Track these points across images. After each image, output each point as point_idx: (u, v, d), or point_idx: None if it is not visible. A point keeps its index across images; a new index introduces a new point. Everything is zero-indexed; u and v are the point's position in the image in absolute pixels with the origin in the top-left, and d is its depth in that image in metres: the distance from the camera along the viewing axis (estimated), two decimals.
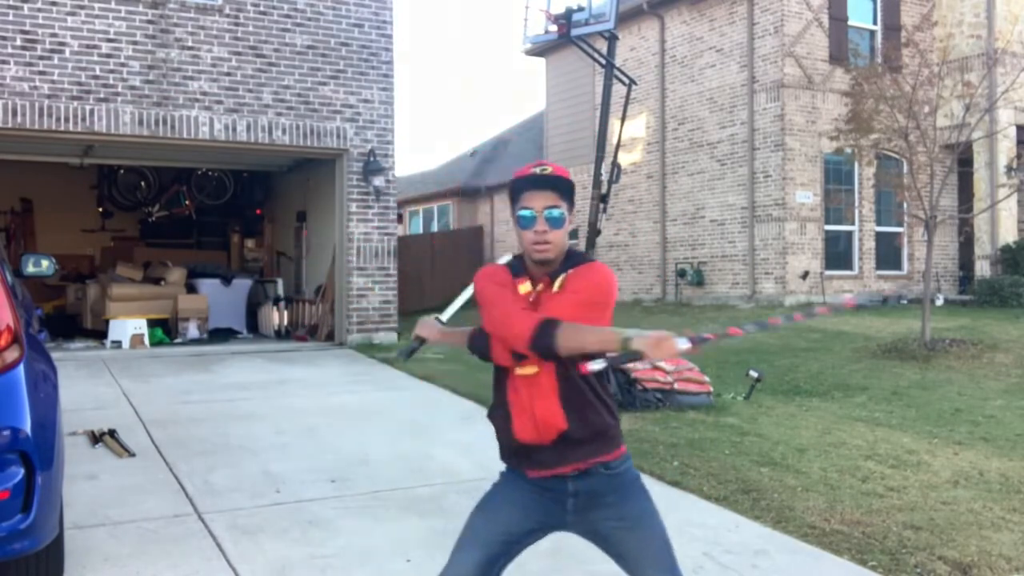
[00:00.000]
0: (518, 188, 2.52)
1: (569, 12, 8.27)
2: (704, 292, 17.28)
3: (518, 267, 2.55)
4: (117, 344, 11.50)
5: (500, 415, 2.55)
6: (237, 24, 11.22)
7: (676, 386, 7.84)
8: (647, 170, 18.90)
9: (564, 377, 2.45)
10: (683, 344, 2.25)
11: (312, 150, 11.91)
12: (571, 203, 2.53)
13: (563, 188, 2.49)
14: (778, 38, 15.87)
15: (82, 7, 10.40)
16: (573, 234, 21.02)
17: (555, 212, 2.46)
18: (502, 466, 2.66)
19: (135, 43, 10.65)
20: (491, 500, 2.61)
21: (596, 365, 2.32)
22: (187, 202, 16.38)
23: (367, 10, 12.00)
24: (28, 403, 3.24)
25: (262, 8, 11.36)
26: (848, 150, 13.56)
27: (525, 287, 2.50)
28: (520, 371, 2.48)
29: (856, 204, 16.44)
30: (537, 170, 2.51)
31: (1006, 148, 15.77)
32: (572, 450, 2.49)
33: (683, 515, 4.86)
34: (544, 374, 2.46)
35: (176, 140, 11.02)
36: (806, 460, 6.03)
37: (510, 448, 2.56)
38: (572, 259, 2.53)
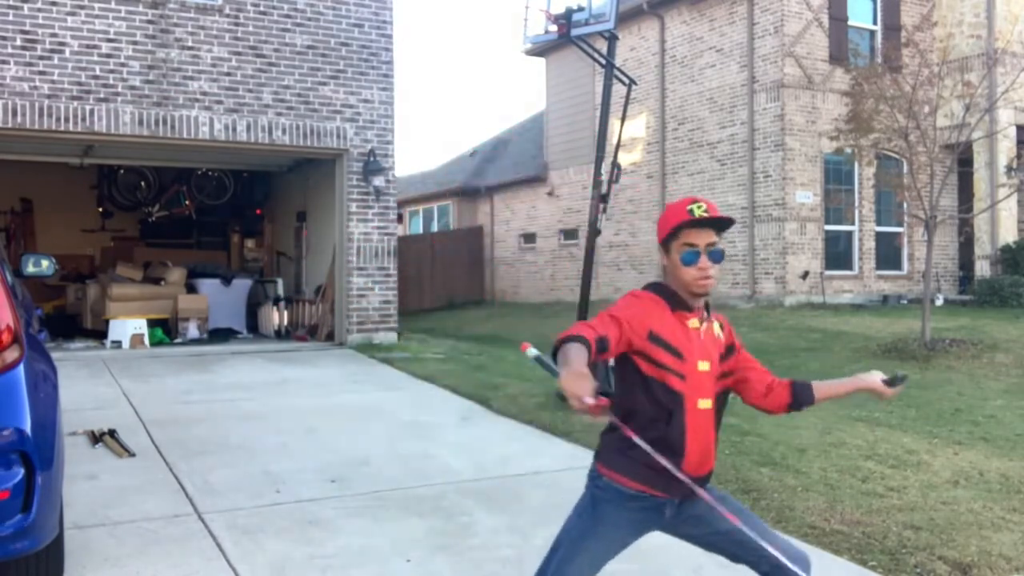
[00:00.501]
0: (679, 227, 2.63)
1: (569, 12, 8.27)
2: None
3: (675, 298, 2.66)
4: (117, 344, 11.50)
5: (668, 441, 2.57)
6: (237, 24, 11.22)
7: None
8: (647, 170, 18.91)
9: (720, 418, 2.70)
10: (588, 400, 2.21)
11: (312, 150, 11.91)
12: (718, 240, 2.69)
13: (723, 227, 2.64)
14: (778, 38, 15.88)
15: (82, 7, 10.40)
16: (570, 234, 21.08)
17: (717, 250, 2.62)
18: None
19: (135, 43, 10.65)
20: (601, 527, 2.65)
21: (530, 352, 2.43)
22: (187, 202, 16.38)
23: (367, 10, 12.00)
24: (28, 403, 3.24)
25: (262, 8, 11.35)
26: (848, 150, 13.56)
27: (695, 323, 2.65)
28: (701, 404, 2.63)
29: (856, 204, 16.44)
30: (696, 210, 2.60)
31: (1006, 148, 15.78)
32: (702, 482, 2.66)
33: None
34: (713, 411, 2.68)
35: (176, 140, 11.02)
36: (806, 460, 6.03)
37: (670, 475, 2.54)
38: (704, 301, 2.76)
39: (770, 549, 2.58)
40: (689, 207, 2.61)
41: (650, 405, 2.59)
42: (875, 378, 2.73)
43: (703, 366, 2.61)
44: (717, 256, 2.61)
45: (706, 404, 2.62)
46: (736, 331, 2.82)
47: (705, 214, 2.58)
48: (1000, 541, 4.48)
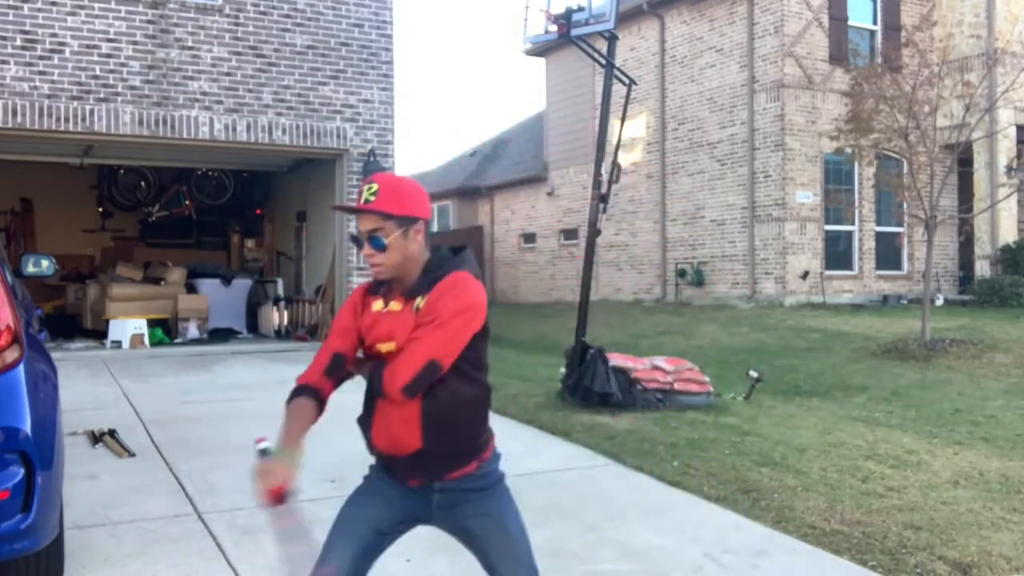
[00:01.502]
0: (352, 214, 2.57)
1: (569, 12, 8.26)
2: (704, 292, 17.28)
3: (381, 283, 2.57)
4: (117, 344, 11.50)
5: (363, 420, 2.62)
6: (237, 24, 11.21)
7: (676, 386, 7.84)
8: (647, 170, 18.91)
9: (431, 396, 2.45)
10: (268, 502, 2.26)
11: (312, 150, 11.90)
12: (402, 221, 2.46)
13: (381, 214, 2.45)
14: (778, 38, 15.88)
15: (82, 7, 10.40)
16: (570, 234, 21.06)
17: (376, 237, 2.46)
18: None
19: (135, 43, 10.65)
20: (361, 494, 2.66)
21: (260, 445, 2.38)
22: (187, 202, 16.38)
23: (367, 10, 12.00)
24: (28, 403, 3.24)
25: (262, 8, 11.35)
26: (848, 150, 13.57)
27: (378, 304, 2.54)
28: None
29: (856, 204, 16.44)
30: (364, 192, 2.49)
31: (1006, 148, 15.78)
32: (429, 466, 2.52)
33: (683, 515, 4.87)
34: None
35: (176, 140, 11.02)
36: (806, 460, 6.03)
37: (372, 452, 2.63)
38: (431, 273, 2.50)
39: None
40: (362, 188, 2.51)
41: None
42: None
43: (383, 347, 2.48)
44: (377, 243, 2.46)
45: None
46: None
47: (363, 201, 2.46)
48: (1000, 541, 4.48)
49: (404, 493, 2.59)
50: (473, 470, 2.54)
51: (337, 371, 2.57)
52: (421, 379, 2.38)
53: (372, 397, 2.56)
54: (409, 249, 2.49)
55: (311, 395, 2.55)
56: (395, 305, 2.51)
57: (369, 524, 2.60)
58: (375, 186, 2.48)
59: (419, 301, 2.46)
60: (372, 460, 2.69)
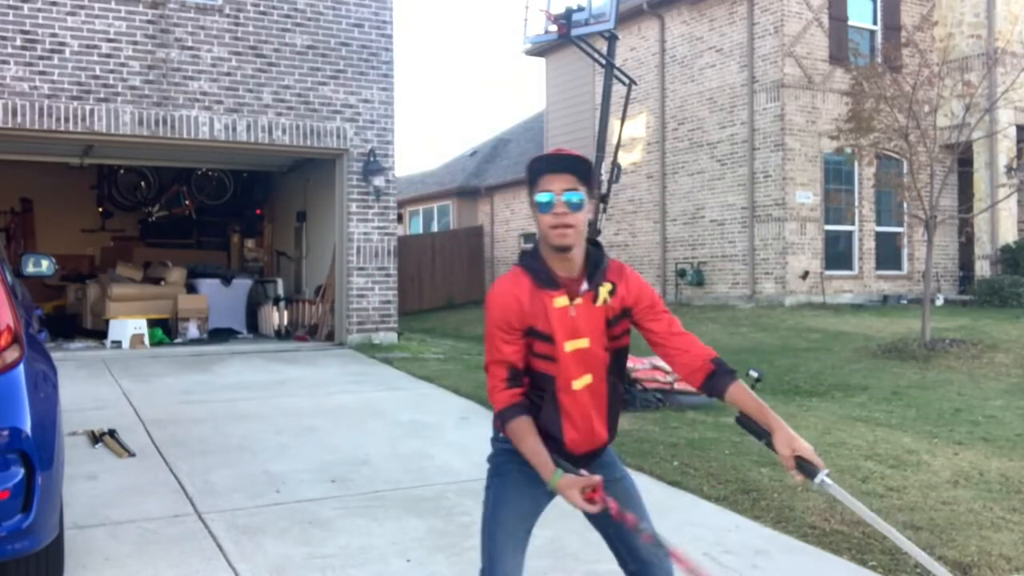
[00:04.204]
0: (536, 171, 2.46)
1: (569, 12, 8.28)
2: (704, 292, 17.28)
3: (543, 273, 2.47)
4: (117, 344, 11.50)
5: (546, 424, 2.52)
6: (237, 24, 11.21)
7: (676, 386, 7.84)
8: (647, 170, 18.91)
9: (613, 388, 2.56)
10: (592, 506, 2.37)
11: (312, 150, 11.90)
12: (591, 188, 2.47)
13: (582, 171, 2.43)
14: (778, 38, 15.88)
15: (82, 7, 10.39)
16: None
17: (575, 196, 2.39)
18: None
19: (135, 43, 10.64)
20: (508, 494, 2.61)
21: (552, 480, 2.43)
22: (187, 202, 16.38)
23: (367, 10, 12.00)
24: (28, 403, 3.24)
25: (262, 8, 11.35)
26: (848, 150, 13.56)
27: (561, 301, 2.45)
28: (577, 384, 2.50)
29: (856, 204, 16.44)
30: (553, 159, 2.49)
31: (1006, 148, 15.78)
32: (599, 453, 2.63)
33: (683, 515, 4.87)
34: (598, 387, 2.54)
35: (176, 140, 11.02)
36: None
37: (562, 455, 2.54)
38: (596, 259, 2.51)
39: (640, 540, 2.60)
40: (548, 153, 2.50)
41: (532, 385, 2.52)
42: (793, 452, 2.34)
43: (574, 345, 2.44)
44: (575, 204, 2.38)
45: (582, 383, 2.48)
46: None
47: (562, 154, 2.46)
48: (1000, 541, 4.48)
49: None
50: (607, 449, 2.68)
51: (516, 382, 2.50)
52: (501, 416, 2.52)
53: (545, 399, 2.51)
54: (585, 223, 2.48)
55: (524, 411, 2.49)
56: (578, 300, 2.47)
57: (527, 519, 2.63)
58: (566, 155, 2.47)
59: (604, 293, 2.46)
60: (487, 451, 2.68)
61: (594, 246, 2.54)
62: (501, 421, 2.49)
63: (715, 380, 2.48)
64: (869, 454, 6.27)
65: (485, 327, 2.52)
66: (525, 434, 2.43)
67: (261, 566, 4.01)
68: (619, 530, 2.60)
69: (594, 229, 8.39)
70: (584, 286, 2.46)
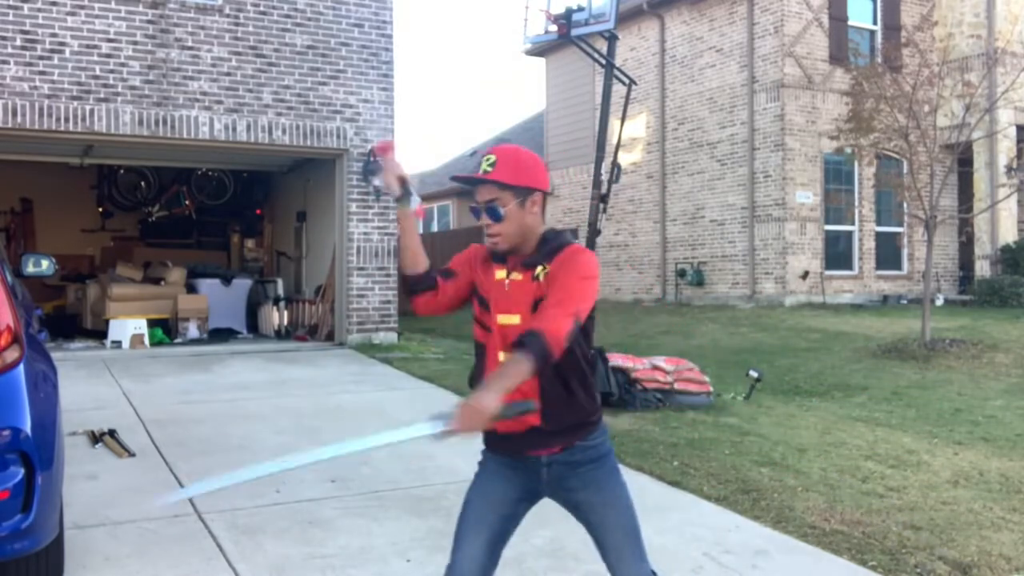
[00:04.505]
0: (468, 186, 2.60)
1: (569, 12, 8.27)
2: (704, 292, 17.28)
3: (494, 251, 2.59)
4: (117, 344, 11.49)
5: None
6: (237, 24, 11.21)
7: (676, 386, 7.84)
8: (647, 170, 18.91)
9: (551, 380, 2.45)
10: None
11: (312, 150, 11.90)
12: (519, 191, 2.48)
13: (500, 180, 2.48)
14: (778, 38, 15.88)
15: (82, 7, 10.39)
16: (570, 234, 21.07)
17: (493, 207, 2.48)
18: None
19: (135, 43, 10.64)
20: (479, 481, 2.65)
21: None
22: (187, 202, 16.37)
23: (367, 10, 11.99)
24: (28, 403, 3.24)
25: (262, 8, 11.35)
26: (848, 150, 13.57)
27: (501, 273, 2.55)
28: (504, 357, 2.48)
29: (856, 204, 16.44)
30: (483, 164, 2.52)
31: (1006, 148, 15.78)
32: (545, 439, 2.51)
33: (683, 515, 4.87)
34: None
35: (176, 140, 11.01)
36: (806, 460, 6.03)
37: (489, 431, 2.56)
38: (548, 244, 2.52)
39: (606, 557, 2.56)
40: (481, 160, 2.53)
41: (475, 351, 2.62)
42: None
43: (506, 319, 2.49)
44: (493, 214, 2.47)
45: (507, 358, 2.45)
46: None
47: (481, 172, 2.49)
48: (1000, 541, 4.48)
49: (516, 468, 2.58)
50: (579, 442, 2.52)
51: (448, 278, 2.65)
52: (571, 336, 2.36)
53: (481, 363, 2.58)
54: (526, 220, 2.51)
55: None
56: (516, 275, 2.52)
57: (494, 509, 2.59)
58: (492, 157, 2.51)
59: (539, 271, 2.48)
60: (480, 444, 2.66)
61: (556, 233, 2.57)
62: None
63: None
64: (869, 454, 6.27)
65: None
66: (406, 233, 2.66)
67: (261, 566, 4.01)
68: (603, 556, 2.59)
69: (594, 229, 8.40)
70: (523, 263, 2.53)
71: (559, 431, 2.50)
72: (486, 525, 2.57)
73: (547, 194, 2.57)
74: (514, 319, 2.49)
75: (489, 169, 2.49)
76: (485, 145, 27.99)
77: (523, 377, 2.27)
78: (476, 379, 2.59)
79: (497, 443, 2.58)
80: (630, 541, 2.56)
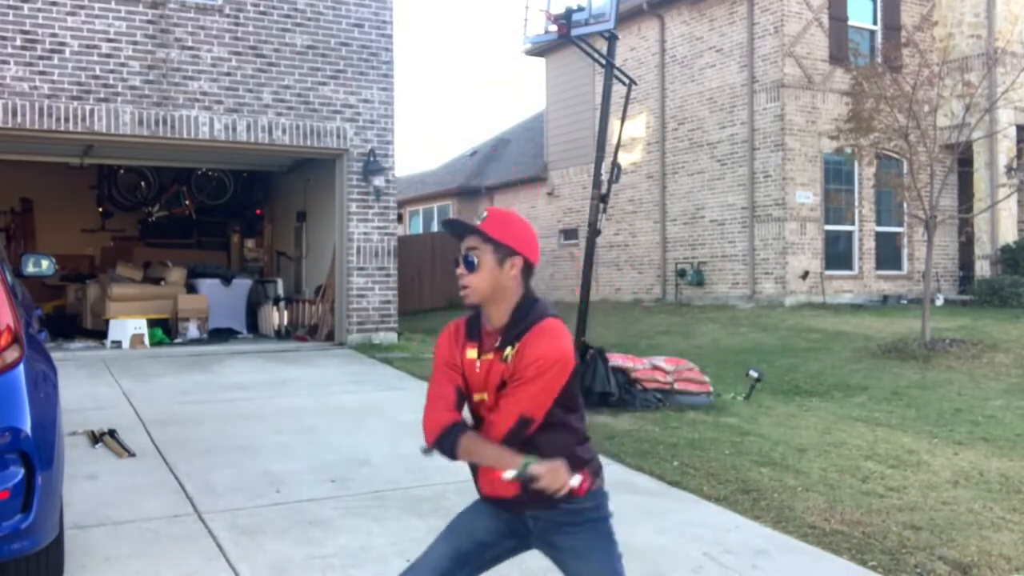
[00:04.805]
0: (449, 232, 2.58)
1: (569, 12, 8.26)
2: (704, 292, 17.28)
3: (474, 323, 2.54)
4: (117, 344, 11.49)
5: (472, 465, 2.58)
6: (237, 24, 11.21)
7: (676, 386, 7.84)
8: (647, 170, 18.90)
9: (524, 442, 2.42)
10: (575, 480, 2.33)
11: (312, 150, 11.90)
12: (500, 248, 2.45)
13: (482, 235, 2.46)
14: (778, 38, 15.87)
15: (82, 7, 10.39)
16: (570, 234, 21.05)
17: (470, 256, 2.46)
18: None
19: (135, 43, 10.64)
20: (471, 507, 2.71)
21: (507, 475, 2.35)
22: (187, 202, 16.37)
23: (367, 10, 11.99)
24: (28, 403, 3.24)
25: (262, 8, 11.35)
26: (848, 150, 13.56)
27: (472, 353, 2.51)
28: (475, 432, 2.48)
29: (856, 204, 16.44)
30: (477, 217, 2.51)
31: (1006, 148, 15.78)
32: (530, 503, 2.48)
33: (683, 515, 4.87)
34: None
35: (176, 140, 11.01)
36: (806, 460, 6.03)
37: (478, 492, 2.63)
38: (523, 315, 2.47)
39: None
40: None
41: None
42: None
43: (479, 396, 2.50)
44: (468, 263, 2.45)
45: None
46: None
47: (477, 220, 2.49)
48: (1000, 541, 4.48)
49: (510, 518, 2.60)
50: (564, 504, 2.47)
51: (462, 404, 2.54)
52: (513, 434, 2.39)
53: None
54: (501, 281, 2.46)
55: (466, 427, 2.50)
56: (488, 356, 2.49)
57: (473, 534, 2.62)
58: (485, 213, 2.52)
59: (508, 351, 2.45)
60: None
61: (532, 304, 2.51)
62: (449, 440, 2.44)
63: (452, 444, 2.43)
64: (869, 454, 6.27)
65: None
66: (481, 440, 2.43)
67: (261, 566, 4.01)
68: None
69: (594, 229, 8.40)
70: (496, 344, 2.48)
71: (542, 498, 2.42)
72: (457, 541, 2.61)
73: (531, 265, 2.50)
74: (483, 396, 2.49)
75: (478, 221, 2.49)
76: (485, 145, 27.99)
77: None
78: (472, 465, 2.60)
79: (493, 504, 2.60)
80: None
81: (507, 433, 2.39)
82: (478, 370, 2.49)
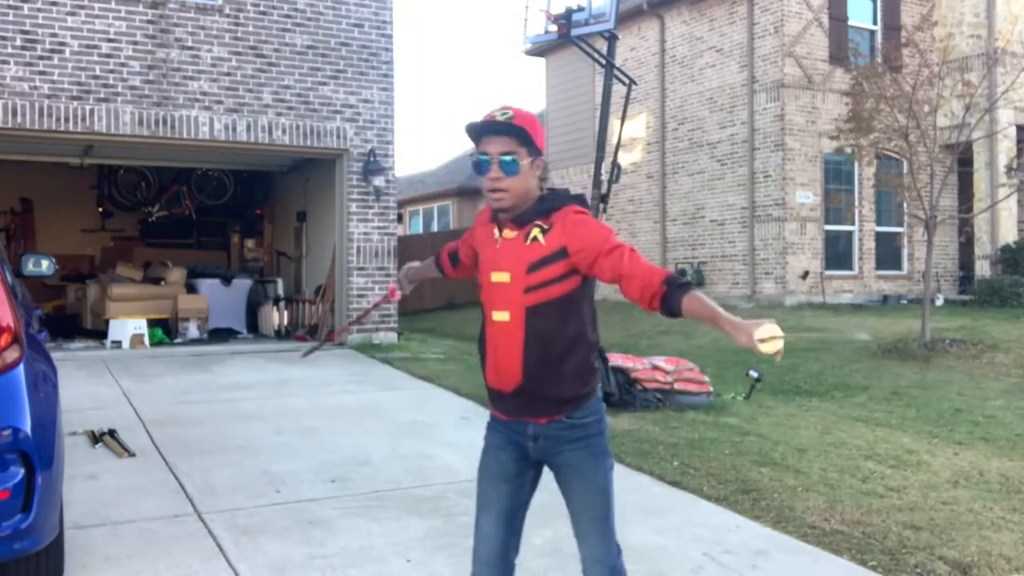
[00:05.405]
0: (476, 133, 2.51)
1: (569, 12, 8.27)
2: (704, 292, 17.27)
3: (496, 212, 2.60)
4: (117, 344, 11.49)
5: (479, 353, 2.66)
6: (237, 24, 11.21)
7: (676, 386, 7.84)
8: (647, 170, 18.90)
9: (534, 333, 2.47)
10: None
11: (312, 150, 11.90)
12: (533, 150, 2.49)
13: (521, 135, 2.46)
14: (778, 38, 15.87)
15: (82, 7, 10.39)
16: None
17: (507, 158, 2.44)
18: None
19: (135, 43, 10.64)
20: (482, 461, 2.72)
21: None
22: (187, 202, 16.37)
23: (367, 10, 11.99)
24: (28, 403, 3.24)
25: (262, 8, 11.35)
26: (848, 150, 13.56)
27: (493, 232, 2.58)
28: (496, 316, 2.53)
29: (856, 204, 16.44)
30: (498, 115, 2.48)
31: (1006, 148, 15.78)
32: (530, 404, 2.54)
33: (683, 515, 4.87)
34: (514, 325, 2.49)
35: (176, 140, 11.01)
36: (806, 460, 6.03)
37: (485, 386, 2.68)
38: (545, 204, 2.51)
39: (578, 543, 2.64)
40: (494, 113, 2.49)
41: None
42: (756, 334, 2.27)
43: (497, 277, 2.50)
44: (509, 166, 2.42)
45: (501, 317, 2.50)
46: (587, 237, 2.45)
47: (503, 118, 2.45)
48: (1000, 541, 4.48)
49: (510, 438, 2.62)
50: (565, 418, 2.53)
51: (454, 262, 2.89)
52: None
53: (483, 326, 2.60)
54: (530, 183, 2.49)
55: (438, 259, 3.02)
56: (508, 233, 2.50)
57: (496, 485, 2.64)
58: (509, 112, 2.47)
59: (536, 232, 2.45)
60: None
61: (553, 194, 2.56)
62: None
63: (669, 300, 2.41)
64: (869, 454, 6.27)
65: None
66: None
67: (261, 566, 4.01)
68: (573, 524, 2.66)
69: None
70: (516, 225, 2.51)
71: (543, 399, 2.49)
72: (493, 502, 2.63)
73: (546, 165, 2.61)
74: (504, 277, 2.49)
75: (505, 120, 2.44)
76: None
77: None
78: (481, 340, 2.63)
79: (495, 401, 2.65)
80: (596, 524, 2.59)
81: (670, 274, 2.45)
82: (498, 247, 2.52)
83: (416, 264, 3.17)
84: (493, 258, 2.52)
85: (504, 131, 2.44)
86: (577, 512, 2.61)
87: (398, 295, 3.25)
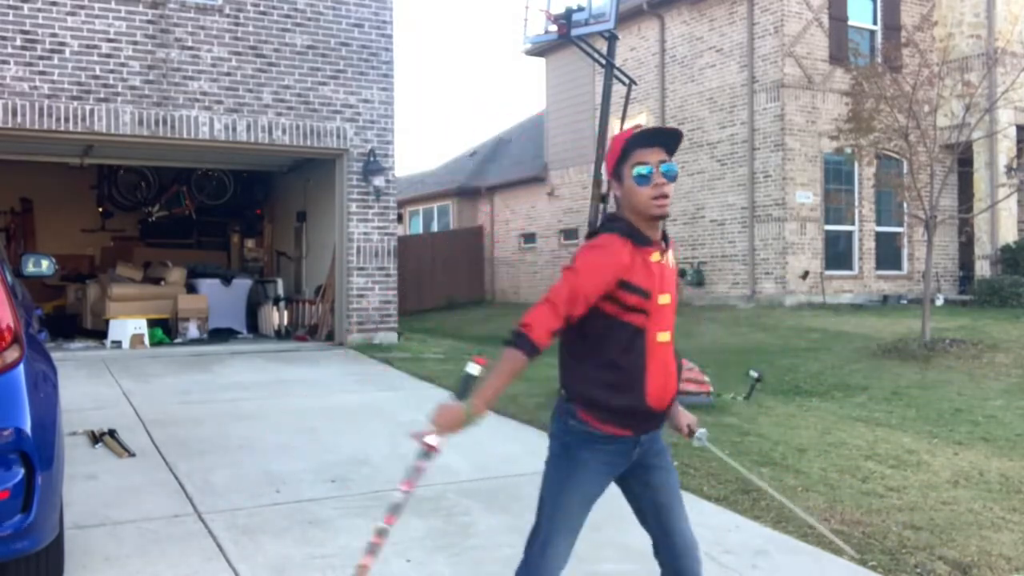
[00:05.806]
0: (629, 145, 2.58)
1: (569, 12, 8.27)
2: (704, 292, 17.28)
3: (639, 234, 2.58)
4: (117, 344, 11.50)
5: (624, 378, 2.56)
6: (237, 24, 11.21)
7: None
8: None
9: (676, 349, 2.71)
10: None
11: (312, 150, 11.90)
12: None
13: (671, 145, 2.59)
14: (778, 38, 15.88)
15: (82, 7, 10.39)
16: (570, 234, 21.07)
17: (671, 167, 2.57)
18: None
19: (135, 43, 10.64)
20: (582, 482, 2.65)
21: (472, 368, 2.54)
22: (187, 202, 16.37)
23: (367, 10, 12.00)
24: (28, 403, 3.24)
25: (262, 8, 11.35)
26: (848, 150, 13.55)
27: (656, 256, 2.60)
28: (660, 337, 2.59)
29: (856, 204, 16.44)
30: (635, 128, 2.66)
31: (1006, 148, 15.78)
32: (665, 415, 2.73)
33: None
34: (672, 344, 2.65)
35: (176, 140, 11.02)
36: (806, 460, 6.03)
37: (632, 412, 2.60)
38: (663, 226, 2.74)
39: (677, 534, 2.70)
40: (636, 128, 2.63)
41: (610, 343, 2.56)
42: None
43: (663, 299, 2.58)
44: (671, 173, 2.56)
45: (664, 337, 2.60)
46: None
47: (657, 128, 2.62)
48: (1000, 541, 4.48)
49: (626, 450, 2.65)
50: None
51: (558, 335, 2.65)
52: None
53: (634, 351, 2.56)
54: None
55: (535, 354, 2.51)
56: (658, 255, 2.61)
57: (591, 502, 2.68)
58: (656, 129, 2.64)
59: (671, 254, 2.65)
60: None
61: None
62: (525, 341, 2.45)
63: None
64: (869, 454, 6.27)
65: (566, 277, 2.55)
66: (515, 366, 2.47)
67: (261, 566, 4.01)
68: (658, 518, 2.71)
69: (594, 229, 8.41)
70: (663, 245, 2.63)
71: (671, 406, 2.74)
72: (577, 526, 2.67)
73: None
74: (667, 299, 2.62)
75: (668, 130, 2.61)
76: (485, 145, 27.97)
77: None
78: (634, 365, 2.56)
79: (640, 421, 2.62)
80: (684, 506, 2.77)
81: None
82: (658, 269, 2.59)
83: (490, 382, 2.53)
84: (659, 281, 2.59)
85: (659, 141, 2.58)
86: (673, 500, 2.72)
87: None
